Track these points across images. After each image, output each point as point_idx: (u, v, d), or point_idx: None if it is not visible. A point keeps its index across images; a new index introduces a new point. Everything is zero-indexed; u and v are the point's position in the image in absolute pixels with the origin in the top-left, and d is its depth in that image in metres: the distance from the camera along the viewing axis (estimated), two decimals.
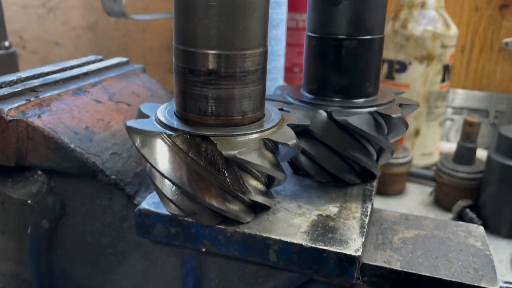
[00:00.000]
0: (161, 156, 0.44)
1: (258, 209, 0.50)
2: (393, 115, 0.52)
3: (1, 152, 0.51)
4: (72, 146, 0.51)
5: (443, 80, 1.26)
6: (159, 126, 0.46)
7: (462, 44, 1.53)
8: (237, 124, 0.46)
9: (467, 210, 1.04)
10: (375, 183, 0.58)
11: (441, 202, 1.12)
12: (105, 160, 0.53)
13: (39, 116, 0.51)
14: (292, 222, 0.48)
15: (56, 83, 0.60)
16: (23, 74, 0.63)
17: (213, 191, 0.45)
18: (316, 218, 0.49)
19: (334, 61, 0.54)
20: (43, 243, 0.59)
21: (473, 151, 1.08)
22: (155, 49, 1.85)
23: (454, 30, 1.25)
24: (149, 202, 0.50)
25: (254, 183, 0.46)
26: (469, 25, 1.49)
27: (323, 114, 0.53)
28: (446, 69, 1.26)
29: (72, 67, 0.69)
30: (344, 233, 0.47)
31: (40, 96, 0.54)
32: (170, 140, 0.44)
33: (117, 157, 0.54)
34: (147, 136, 0.44)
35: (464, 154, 1.08)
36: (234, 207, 0.46)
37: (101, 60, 0.76)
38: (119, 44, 1.84)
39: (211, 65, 0.43)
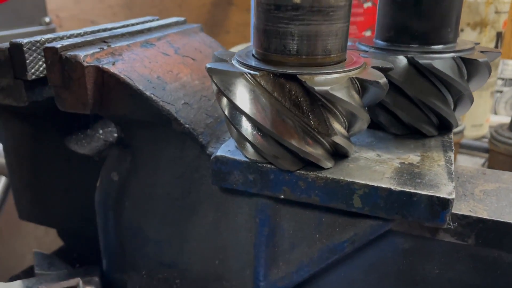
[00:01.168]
0: (245, 96, 0.43)
1: (337, 157, 0.48)
2: (480, 60, 0.49)
3: (76, 99, 0.50)
4: (148, 93, 0.50)
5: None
6: (241, 67, 0.44)
7: None
8: (321, 64, 0.44)
9: None
10: (452, 135, 0.56)
11: None
12: (178, 109, 0.52)
13: (113, 64, 0.51)
14: (375, 169, 0.47)
15: (123, 35, 0.59)
16: (88, 29, 0.62)
17: (296, 134, 0.44)
18: (399, 166, 0.48)
19: (414, 5, 0.52)
20: (111, 197, 0.59)
21: None
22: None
23: None
24: (225, 150, 0.50)
25: (337, 126, 0.44)
26: None
27: (403, 59, 0.51)
28: (499, 36, 1.21)
29: (133, 24, 0.68)
30: (432, 179, 0.45)
31: (112, 46, 0.54)
32: (254, 80, 0.43)
33: (188, 107, 0.53)
34: (230, 76, 0.43)
35: None
36: (317, 151, 0.45)
37: (157, 19, 0.75)
38: None
39: None
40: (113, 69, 0.50)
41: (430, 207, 0.42)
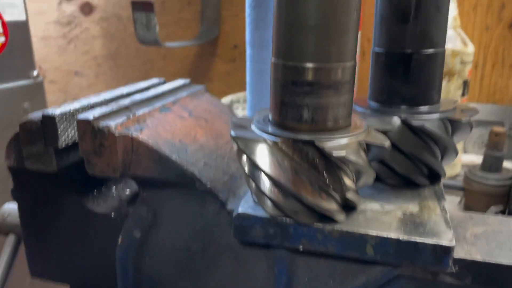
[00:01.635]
0: (267, 159, 0.49)
1: (347, 209, 0.54)
2: (463, 120, 0.57)
3: (106, 164, 0.55)
4: (173, 157, 0.55)
5: (463, 95, 1.32)
6: (262, 133, 0.50)
7: (475, 61, 1.61)
8: (332, 129, 0.51)
9: (500, 215, 1.08)
10: (441, 184, 0.63)
11: (472, 208, 1.17)
12: (200, 169, 0.57)
13: (140, 131, 0.56)
14: (382, 220, 0.53)
15: (142, 102, 0.65)
16: (106, 96, 0.68)
17: (313, 191, 0.49)
18: (402, 216, 0.54)
19: (403, 73, 0.60)
20: (132, 252, 0.63)
21: (500, 159, 1.13)
22: (176, 74, 1.91)
23: (471, 47, 1.32)
24: (246, 206, 0.55)
25: (349, 183, 0.51)
26: (481, 43, 1.57)
27: (397, 120, 0.59)
28: (465, 84, 1.32)
29: (145, 89, 0.74)
30: (433, 227, 0.51)
31: (136, 114, 0.59)
32: (275, 145, 0.49)
33: (208, 167, 0.59)
34: (254, 142, 0.49)
35: (492, 163, 1.13)
36: (331, 206, 0.51)
37: (164, 82, 0.81)
38: (140, 71, 1.90)
39: (314, 76, 0.48)
40: (141, 136, 0.55)
41: (434, 253, 0.48)
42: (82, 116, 0.55)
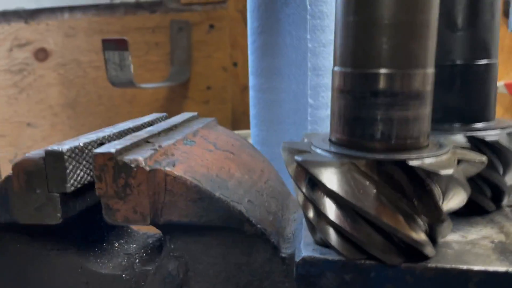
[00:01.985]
0: (346, 186, 0.40)
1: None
2: None
3: (133, 210, 0.44)
4: (217, 194, 0.45)
5: None
6: (335, 156, 0.42)
7: None
8: (415, 148, 0.43)
9: None
10: (508, 209, 0.56)
11: None
12: (247, 208, 0.47)
13: (173, 165, 0.45)
14: (476, 252, 0.45)
15: (159, 134, 0.54)
16: (113, 130, 0.56)
17: (403, 221, 0.41)
18: (494, 245, 0.46)
19: (459, 87, 0.54)
20: None
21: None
22: None
23: None
24: (309, 249, 0.45)
25: (442, 208, 0.42)
26: None
27: (461, 138, 0.52)
28: None
29: (151, 123, 0.64)
30: None
31: (162, 145, 0.48)
32: (358, 169, 0.40)
33: (252, 205, 0.49)
34: (329, 166, 0.40)
35: None
36: (422, 237, 0.42)
37: (166, 117, 0.71)
38: (103, 118, 1.76)
39: (397, 85, 0.40)
40: (177, 172, 0.44)
41: None
42: (101, 149, 0.43)
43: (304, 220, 0.51)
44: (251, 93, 0.82)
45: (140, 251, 0.59)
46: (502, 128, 0.54)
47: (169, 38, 1.56)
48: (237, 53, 1.53)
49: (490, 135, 0.51)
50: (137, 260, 0.58)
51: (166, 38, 1.58)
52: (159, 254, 0.53)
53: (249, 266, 0.48)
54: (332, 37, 0.79)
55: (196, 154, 0.51)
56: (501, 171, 0.55)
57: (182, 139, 0.54)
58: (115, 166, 0.43)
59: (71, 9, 1.66)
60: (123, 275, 0.55)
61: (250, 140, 0.92)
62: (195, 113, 0.71)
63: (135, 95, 1.67)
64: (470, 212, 0.55)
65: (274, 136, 0.77)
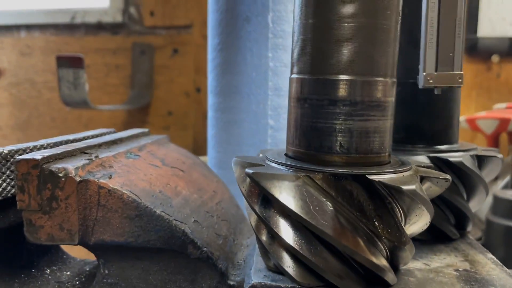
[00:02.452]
0: (302, 203, 0.36)
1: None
2: (498, 156, 0.50)
3: (59, 227, 0.38)
4: (158, 211, 0.40)
5: None
6: (289, 169, 0.38)
7: None
8: (376, 164, 0.39)
9: None
10: (471, 238, 0.54)
11: None
12: (192, 229, 0.42)
13: (109, 177, 0.40)
14: (439, 280, 0.41)
15: (100, 146, 0.49)
16: (48, 141, 0.51)
17: (364, 244, 0.37)
18: (458, 274, 0.42)
19: (424, 106, 0.52)
20: None
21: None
22: None
23: None
24: (260, 276, 0.40)
25: (404, 230, 0.39)
26: None
27: (424, 159, 0.49)
28: None
29: (94, 136, 0.58)
30: (504, 284, 0.40)
31: (100, 157, 0.43)
32: (313, 183, 0.36)
33: (199, 226, 0.44)
34: (284, 180, 0.36)
35: None
36: (383, 262, 0.38)
37: (114, 131, 0.66)
38: None
39: (358, 93, 0.37)
40: (112, 184, 0.39)
41: None
42: (25, 156, 0.38)
43: (256, 246, 0.47)
44: (210, 113, 0.78)
45: (74, 279, 0.53)
46: (466, 150, 0.52)
47: (131, 61, 1.51)
48: (200, 78, 1.49)
49: (454, 156, 0.49)
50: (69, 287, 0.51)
51: (127, 60, 1.53)
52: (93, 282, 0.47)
53: None
54: None
55: (138, 168, 0.46)
56: (465, 197, 0.53)
57: (125, 152, 0.49)
58: (40, 175, 0.37)
59: (29, 27, 1.60)
60: None
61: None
62: (146, 130, 0.66)
63: (91, 118, 1.59)
64: (434, 239, 0.52)
65: (231, 158, 0.72)
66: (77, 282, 0.51)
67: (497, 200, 0.99)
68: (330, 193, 0.37)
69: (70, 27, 1.57)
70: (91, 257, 0.60)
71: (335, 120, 0.38)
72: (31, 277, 0.52)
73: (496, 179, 1.32)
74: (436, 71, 0.46)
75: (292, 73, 0.41)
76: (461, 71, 0.46)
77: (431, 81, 0.45)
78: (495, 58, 1.43)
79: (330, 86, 0.38)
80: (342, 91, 0.37)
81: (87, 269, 0.55)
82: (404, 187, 0.34)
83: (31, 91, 1.62)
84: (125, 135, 0.58)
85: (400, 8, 0.39)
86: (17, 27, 1.61)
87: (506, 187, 1.25)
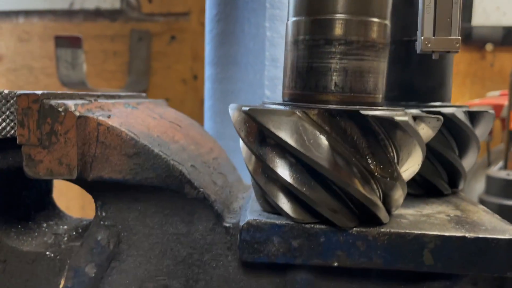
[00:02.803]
0: (298, 138, 0.37)
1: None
2: (490, 111, 0.51)
3: (58, 161, 0.39)
4: (156, 150, 0.40)
5: None
6: (286, 107, 0.39)
7: None
8: (370, 104, 0.40)
9: None
10: (463, 194, 0.55)
11: None
12: (189, 171, 0.43)
13: (108, 116, 0.41)
14: (432, 222, 0.42)
15: (98, 96, 0.50)
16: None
17: (357, 179, 0.38)
18: (449, 218, 0.43)
19: (417, 64, 0.53)
20: None
21: None
22: None
23: None
24: (255, 215, 0.41)
25: (397, 168, 0.40)
26: None
27: (417, 112, 0.50)
28: None
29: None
30: (495, 226, 0.41)
31: (98, 100, 0.44)
32: (309, 119, 0.37)
33: (196, 170, 0.44)
34: (281, 115, 0.37)
35: None
36: (376, 199, 0.39)
37: None
38: None
39: (352, 32, 0.38)
40: (111, 121, 0.40)
41: (510, 253, 0.38)
42: (25, 91, 0.39)
43: (253, 195, 0.47)
44: (207, 84, 0.79)
45: (71, 231, 0.53)
46: (458, 106, 0.53)
47: (128, 48, 1.52)
48: (198, 65, 1.50)
49: (446, 110, 0.50)
50: (65, 238, 0.52)
51: (125, 47, 1.54)
52: None
53: (188, 236, 0.43)
54: None
55: (137, 116, 0.47)
56: (457, 152, 0.54)
57: (124, 103, 0.49)
58: (40, 109, 0.38)
59: (27, 13, 1.60)
60: (47, 253, 0.49)
61: None
62: (143, 94, 0.67)
63: None
64: (426, 194, 0.53)
65: (228, 128, 0.73)
66: (74, 233, 0.52)
67: (490, 179, 1.01)
68: (325, 128, 0.37)
69: (69, 13, 1.58)
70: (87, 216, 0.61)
71: (330, 60, 0.39)
72: (27, 228, 0.53)
73: (489, 165, 1.33)
74: (434, 35, 0.47)
75: (288, 18, 0.42)
76: (458, 36, 0.47)
77: (429, 45, 0.46)
78: (489, 47, 1.45)
79: (326, 25, 0.38)
80: (338, 30, 0.38)
81: (85, 223, 0.56)
82: (397, 118, 0.35)
83: (28, 77, 1.62)
84: (124, 94, 0.59)
85: None
86: (15, 13, 1.61)
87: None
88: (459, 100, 1.40)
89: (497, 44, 1.43)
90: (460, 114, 0.49)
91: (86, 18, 1.57)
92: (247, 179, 0.57)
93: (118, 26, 1.56)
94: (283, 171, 0.38)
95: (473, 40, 1.44)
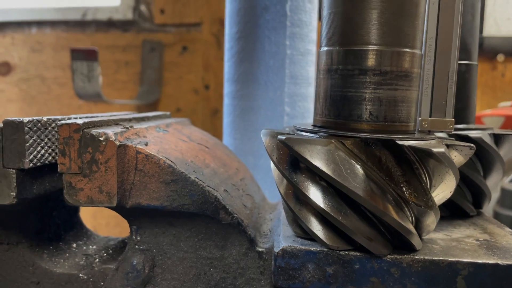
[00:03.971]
0: (335, 167, 0.37)
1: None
2: None
3: (98, 189, 0.39)
4: (192, 177, 0.41)
5: None
6: (320, 136, 0.39)
7: None
8: (403, 132, 0.41)
9: None
10: (487, 215, 0.55)
11: None
12: (223, 196, 0.43)
13: (146, 144, 0.42)
14: (462, 247, 0.42)
15: (130, 120, 0.51)
16: (78, 116, 0.52)
17: (393, 208, 0.38)
18: (479, 243, 0.44)
19: None
20: None
21: None
22: None
23: None
24: (289, 241, 0.41)
25: (431, 196, 0.40)
26: None
27: (444, 135, 0.51)
28: None
29: (122, 115, 0.60)
30: None
31: (134, 127, 0.45)
32: (345, 148, 0.38)
33: (229, 195, 0.45)
34: (316, 145, 0.38)
35: None
36: (410, 227, 0.39)
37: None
38: None
39: (386, 63, 0.39)
40: (149, 149, 0.41)
41: None
42: (67, 121, 0.40)
43: (282, 217, 0.48)
44: (226, 100, 0.80)
45: (101, 252, 0.54)
46: (483, 129, 0.54)
47: (140, 58, 1.53)
48: (209, 76, 1.52)
49: (473, 133, 0.50)
50: (97, 259, 0.53)
51: (137, 57, 1.55)
52: (122, 253, 0.48)
53: (222, 261, 0.44)
54: (310, 47, 0.80)
55: (169, 140, 0.48)
56: (482, 174, 0.54)
57: (155, 127, 0.50)
58: (82, 139, 0.39)
59: (40, 23, 1.62)
60: (80, 275, 0.50)
61: None
62: (168, 112, 0.68)
63: None
64: (452, 215, 0.53)
65: (248, 145, 0.74)
66: (105, 254, 0.53)
67: (504, 192, 1.01)
68: (361, 157, 0.38)
69: (81, 24, 1.59)
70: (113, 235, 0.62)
71: (365, 89, 0.39)
72: (59, 249, 0.54)
73: (503, 175, 1.33)
74: (430, 116, 0.49)
75: (321, 47, 0.43)
76: (452, 117, 0.48)
77: (426, 125, 0.48)
78: (500, 58, 1.46)
79: (361, 56, 0.39)
80: (372, 61, 0.39)
81: (112, 243, 0.57)
82: (434, 149, 0.36)
83: (41, 87, 1.64)
84: (151, 115, 0.60)
85: None
86: (28, 24, 1.63)
87: None
88: None
89: (508, 54, 1.44)
90: (486, 138, 0.50)
91: (98, 29, 1.59)
92: (269, 195, 0.58)
93: (131, 36, 1.57)
94: (317, 198, 0.39)
95: (484, 50, 1.45)
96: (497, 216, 1.02)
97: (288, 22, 0.72)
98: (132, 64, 1.57)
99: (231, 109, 0.79)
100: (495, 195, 1.29)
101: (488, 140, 0.50)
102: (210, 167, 0.48)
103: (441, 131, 0.49)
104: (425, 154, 0.37)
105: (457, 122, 0.55)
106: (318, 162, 0.37)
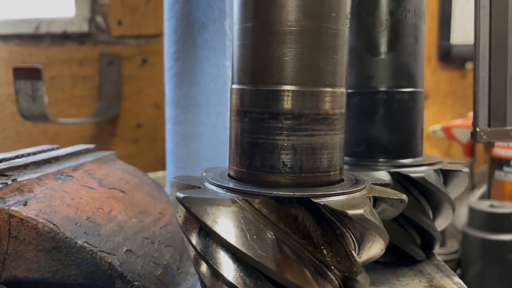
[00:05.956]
0: (236, 230, 0.31)
1: None
2: (464, 170, 0.46)
3: None
4: (79, 242, 0.35)
5: None
6: (227, 192, 0.33)
7: None
8: (325, 183, 0.35)
9: None
10: (438, 258, 0.50)
11: None
12: (122, 260, 0.37)
13: (24, 204, 0.35)
14: None
15: (26, 166, 0.44)
16: None
17: (312, 276, 0.32)
18: None
19: (384, 117, 0.48)
20: None
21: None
22: None
23: None
24: None
25: (356, 258, 0.35)
26: None
27: (385, 174, 0.45)
28: None
29: (31, 154, 0.53)
30: None
31: (18, 180, 0.38)
32: (252, 208, 0.32)
33: (133, 256, 0.39)
34: (218, 205, 0.32)
35: None
36: None
37: (58, 147, 0.61)
38: None
39: (300, 104, 0.33)
40: (25, 212, 0.34)
41: None
42: None
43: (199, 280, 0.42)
44: (167, 126, 0.74)
45: None
46: (430, 164, 0.48)
47: (98, 72, 1.46)
48: None
49: (416, 172, 0.45)
50: None
51: (94, 71, 1.47)
52: None
53: None
54: None
55: (66, 191, 0.41)
56: (430, 215, 0.49)
57: (55, 173, 0.44)
58: None
59: None
60: None
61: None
62: (92, 146, 0.61)
63: (57, 132, 1.52)
64: (398, 261, 0.48)
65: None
66: None
67: (472, 211, 0.97)
68: (271, 219, 0.32)
69: (35, 38, 1.51)
70: None
71: (277, 136, 0.34)
72: None
73: (473, 188, 1.30)
74: (489, 127, 0.45)
75: (232, 83, 0.37)
76: None
77: (484, 137, 0.44)
78: (469, 66, 1.42)
79: (271, 97, 0.33)
80: (284, 103, 0.33)
81: None
82: (350, 212, 0.30)
83: None
84: (64, 153, 0.53)
85: (349, 10, 0.35)
86: None
87: (482, 197, 1.23)
88: (441, 120, 1.37)
89: None
90: (430, 177, 0.44)
91: (53, 42, 1.51)
92: None
93: (87, 49, 1.49)
94: (227, 270, 0.33)
95: (453, 58, 1.41)
96: (465, 237, 0.97)
97: (228, 41, 0.67)
98: (89, 79, 1.50)
99: (172, 135, 0.72)
100: (464, 208, 1.25)
101: (433, 178, 0.45)
102: (115, 221, 0.41)
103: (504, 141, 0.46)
104: (341, 215, 0.31)
105: (401, 157, 0.49)
106: (219, 228, 0.31)
